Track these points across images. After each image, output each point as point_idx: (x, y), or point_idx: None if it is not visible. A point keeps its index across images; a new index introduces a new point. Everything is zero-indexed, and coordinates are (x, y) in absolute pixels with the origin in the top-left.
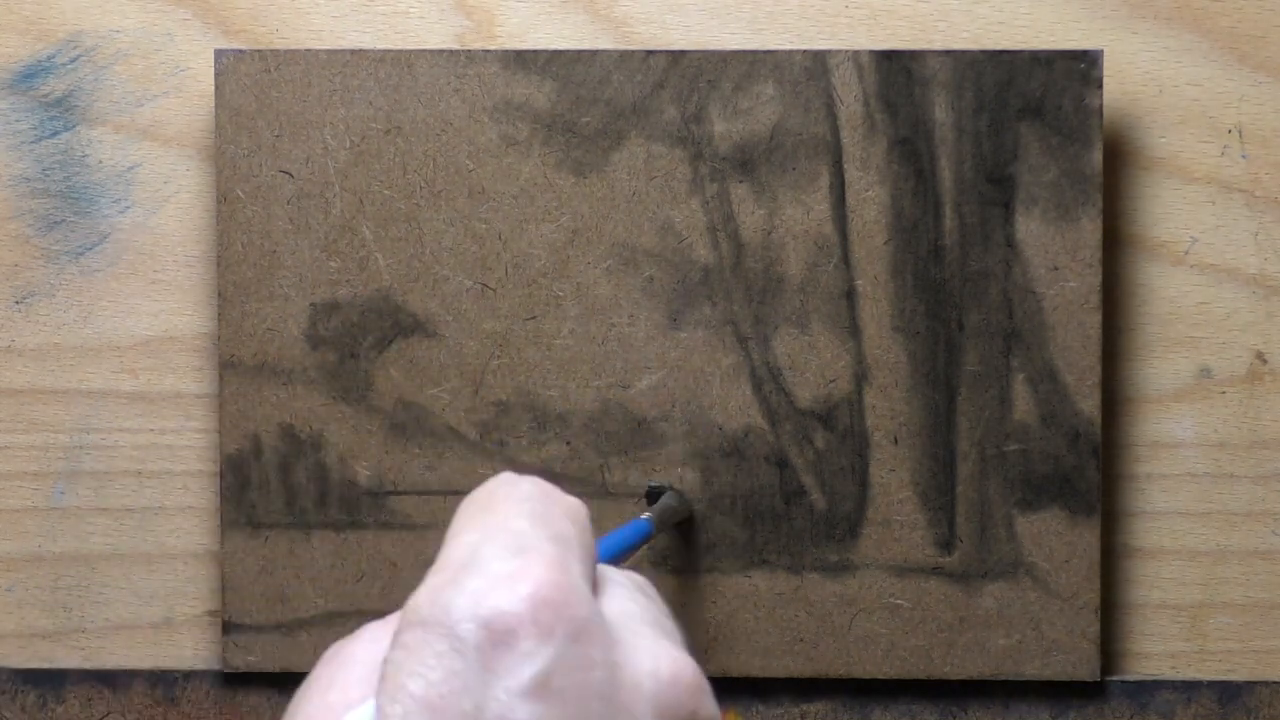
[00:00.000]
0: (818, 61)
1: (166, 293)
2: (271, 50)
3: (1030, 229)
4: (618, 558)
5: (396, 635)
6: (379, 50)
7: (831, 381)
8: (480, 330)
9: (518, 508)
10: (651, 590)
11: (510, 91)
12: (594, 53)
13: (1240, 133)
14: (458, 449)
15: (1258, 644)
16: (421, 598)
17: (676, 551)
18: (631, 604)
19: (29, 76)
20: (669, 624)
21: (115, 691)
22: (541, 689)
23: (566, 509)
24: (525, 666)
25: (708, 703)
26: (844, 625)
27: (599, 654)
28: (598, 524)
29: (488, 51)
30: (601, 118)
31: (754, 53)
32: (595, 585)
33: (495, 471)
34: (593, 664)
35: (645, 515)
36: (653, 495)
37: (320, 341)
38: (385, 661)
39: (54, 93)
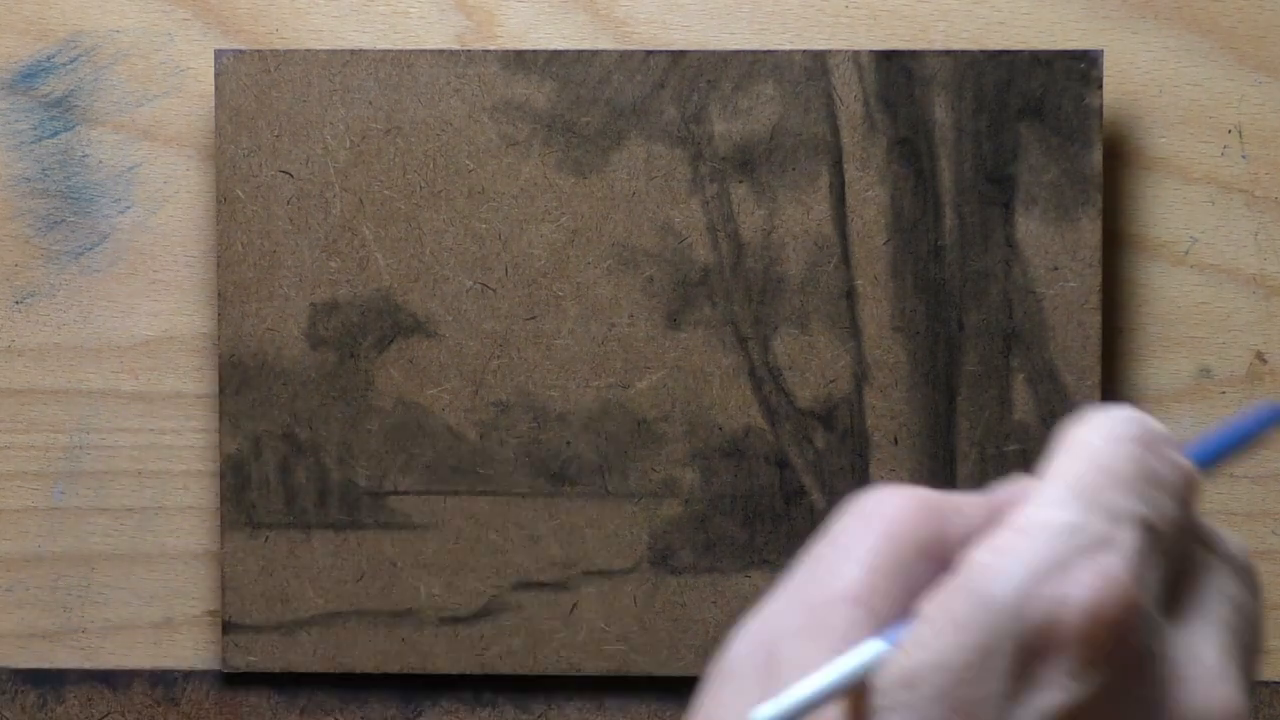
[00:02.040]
0: (818, 61)
1: (166, 293)
2: (271, 50)
3: (1030, 229)
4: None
5: (944, 588)
6: (379, 50)
7: (831, 381)
8: (480, 330)
9: (1117, 467)
10: (1250, 568)
11: (510, 91)
12: (594, 53)
13: (1240, 133)
14: (458, 449)
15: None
16: (983, 558)
17: (676, 551)
18: (1217, 601)
19: (29, 76)
20: (1253, 626)
21: (115, 691)
22: (1066, 716)
23: (1172, 479)
24: (1061, 690)
25: None
26: None
27: (1145, 694)
28: (598, 524)
29: (488, 51)
30: (601, 118)
31: (754, 53)
32: (1190, 578)
33: (494, 472)
34: (1134, 704)
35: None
36: None
37: (320, 341)
38: (921, 616)
39: (54, 93)
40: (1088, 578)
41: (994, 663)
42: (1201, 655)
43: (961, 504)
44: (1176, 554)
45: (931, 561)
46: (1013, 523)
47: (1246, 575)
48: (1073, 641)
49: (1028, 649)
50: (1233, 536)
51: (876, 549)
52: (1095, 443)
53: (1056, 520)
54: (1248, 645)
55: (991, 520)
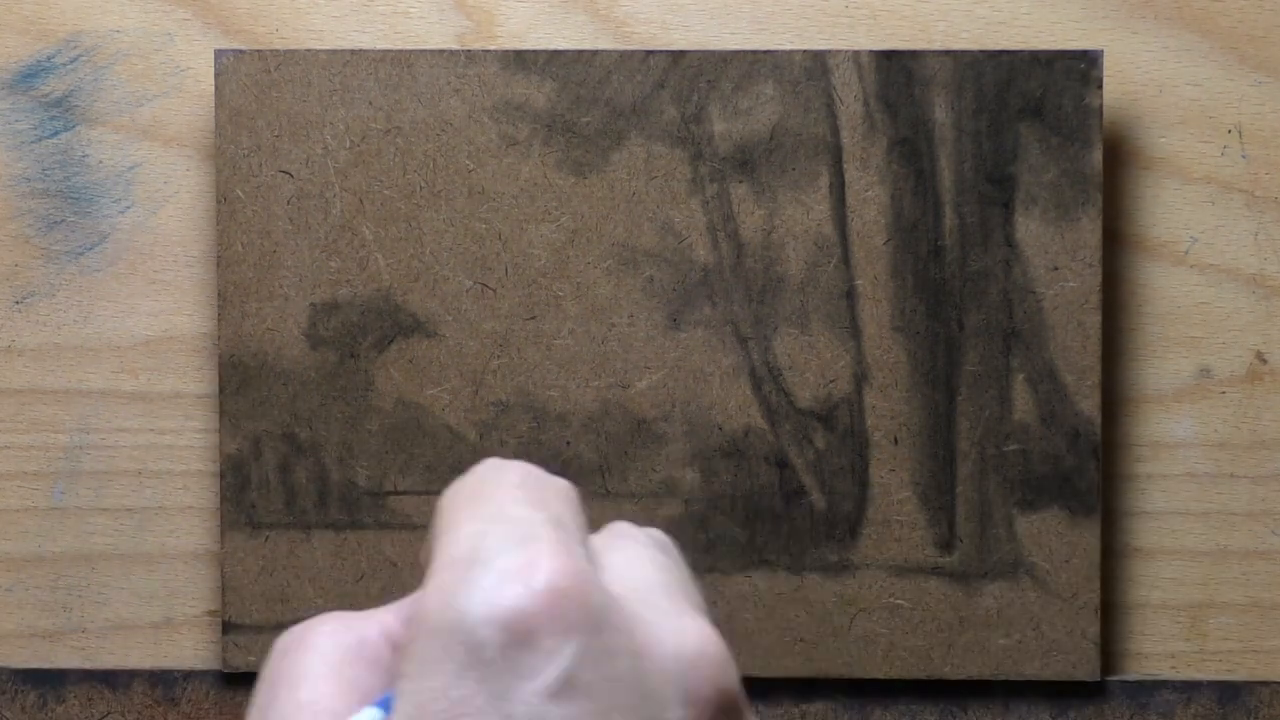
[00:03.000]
0: (818, 61)
1: (166, 293)
2: (271, 50)
3: (1030, 229)
4: None
5: (409, 645)
6: (379, 50)
7: (831, 381)
8: (480, 330)
9: (511, 494)
10: (669, 545)
11: (510, 91)
12: (594, 53)
13: (1240, 133)
14: (458, 449)
15: (1258, 644)
16: (431, 602)
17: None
18: (643, 568)
19: (29, 76)
20: (688, 585)
21: (115, 691)
22: (568, 687)
23: (557, 490)
24: (550, 666)
25: (733, 675)
26: (844, 625)
27: (621, 641)
28: (598, 524)
29: (488, 51)
30: (601, 118)
31: (754, 53)
32: (596, 556)
33: None
34: (616, 653)
35: None
36: None
37: (320, 341)
38: (401, 676)
39: (54, 93)
40: (531, 568)
41: (477, 674)
42: (650, 600)
43: (368, 614)
44: (581, 540)
45: (367, 661)
46: (437, 567)
47: (656, 541)
48: (539, 622)
49: (505, 646)
50: (623, 525)
51: (314, 665)
52: (475, 485)
53: (476, 544)
54: (671, 584)
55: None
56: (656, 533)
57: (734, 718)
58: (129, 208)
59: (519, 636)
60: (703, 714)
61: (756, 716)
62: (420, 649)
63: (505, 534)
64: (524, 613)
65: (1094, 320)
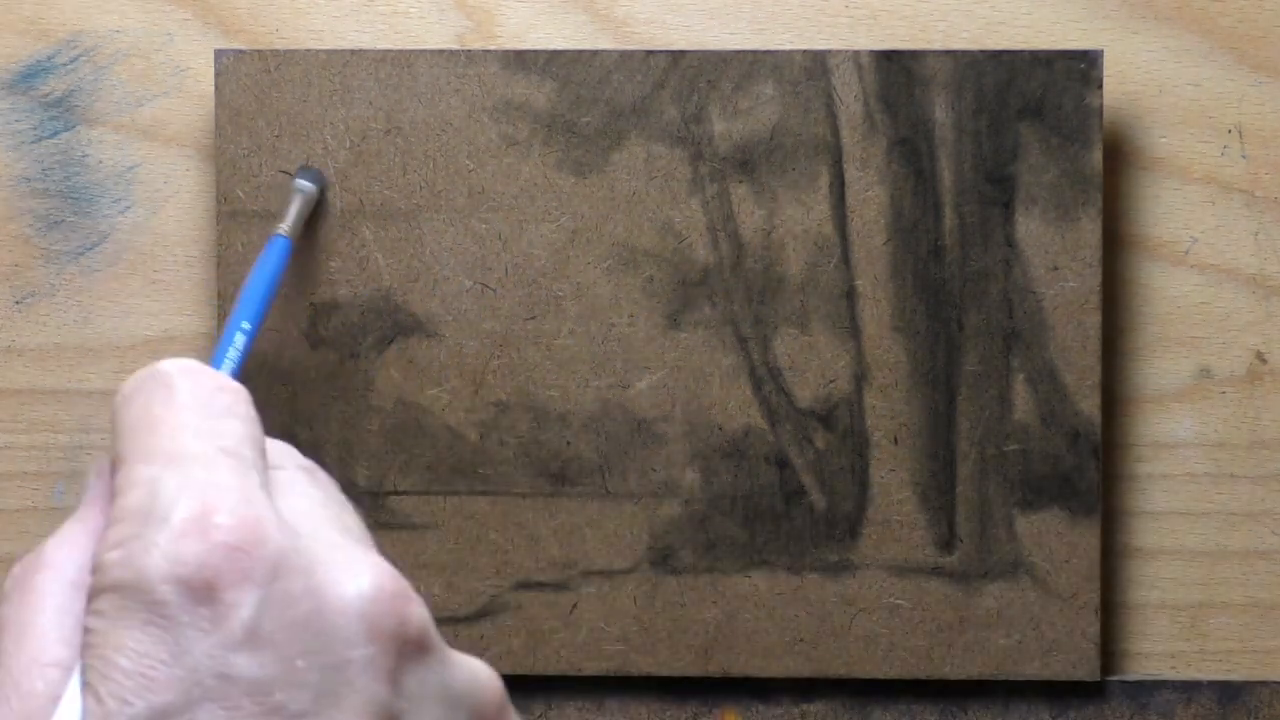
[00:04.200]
0: (818, 61)
1: (166, 293)
2: (271, 50)
3: (1030, 229)
4: (271, 292)
5: (91, 599)
6: (379, 50)
7: (831, 381)
8: (480, 330)
9: (180, 419)
10: (320, 472)
11: (510, 91)
12: (594, 53)
13: (1240, 133)
14: (458, 449)
15: (1258, 644)
16: (110, 557)
17: (676, 551)
18: (308, 500)
19: (29, 76)
20: (348, 516)
21: None
22: (251, 637)
23: (228, 402)
24: (232, 618)
25: (415, 608)
26: (844, 625)
27: (299, 585)
28: (598, 524)
29: (488, 51)
30: (601, 118)
31: (754, 53)
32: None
33: (494, 472)
34: (297, 597)
35: (281, 229)
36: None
37: (320, 341)
38: (86, 631)
39: (54, 93)
40: (205, 521)
41: (161, 629)
42: (322, 537)
43: (76, 530)
44: (258, 464)
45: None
46: (117, 516)
47: (303, 468)
48: (218, 574)
49: (185, 602)
50: (278, 447)
51: (38, 610)
52: (144, 409)
53: (151, 493)
54: (336, 519)
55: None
56: (299, 455)
57: (421, 649)
58: (129, 208)
59: (199, 592)
60: (387, 649)
61: (446, 649)
62: (102, 604)
63: (180, 481)
64: (202, 568)
65: (1094, 320)
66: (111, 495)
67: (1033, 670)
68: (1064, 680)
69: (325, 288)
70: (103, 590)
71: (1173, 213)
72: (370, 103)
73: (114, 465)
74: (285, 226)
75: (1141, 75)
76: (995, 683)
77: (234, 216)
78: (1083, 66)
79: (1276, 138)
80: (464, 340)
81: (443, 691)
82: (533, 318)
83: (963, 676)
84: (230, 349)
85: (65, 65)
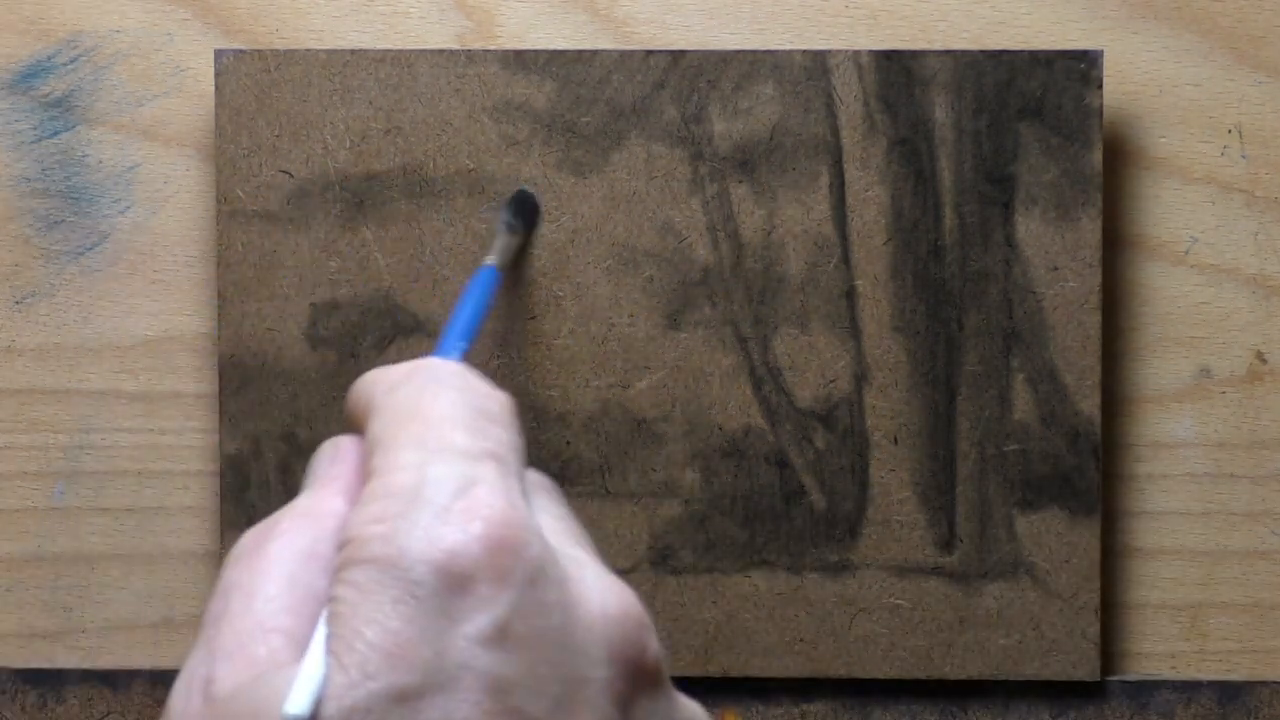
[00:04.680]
0: (818, 61)
1: (166, 293)
2: (271, 50)
3: (1030, 229)
4: (482, 322)
5: (342, 569)
6: (379, 50)
7: (831, 381)
8: (480, 330)
9: (452, 413)
10: (558, 491)
11: (510, 91)
12: (594, 53)
13: (1240, 133)
14: None
15: (1258, 644)
16: (370, 531)
17: (676, 551)
18: (553, 516)
19: (29, 76)
20: (586, 537)
21: (115, 691)
22: (501, 636)
23: (496, 411)
24: (484, 613)
25: (653, 638)
26: (844, 625)
27: (554, 596)
28: (598, 524)
29: (488, 51)
30: (601, 118)
31: (754, 53)
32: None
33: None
34: (549, 608)
35: (489, 260)
36: (511, 210)
37: (320, 341)
38: (333, 599)
39: (54, 93)
40: (472, 512)
41: (413, 609)
42: (574, 554)
43: (319, 499)
44: (519, 473)
45: (324, 560)
46: (379, 493)
47: (548, 489)
48: (478, 568)
49: (441, 588)
50: (527, 472)
51: (269, 576)
52: (414, 398)
53: (420, 477)
54: (582, 538)
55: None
56: (540, 475)
57: (654, 682)
58: (129, 208)
59: (456, 580)
60: (625, 674)
61: (673, 688)
62: (355, 575)
63: (447, 472)
64: (463, 557)
65: (1094, 320)
66: (363, 476)
67: (1033, 670)
68: (1064, 680)
69: (325, 288)
70: (357, 562)
71: (1173, 213)
72: (370, 103)
73: (371, 447)
74: (494, 258)
75: (1141, 75)
76: (995, 683)
77: (234, 216)
78: (1083, 66)
79: (1276, 138)
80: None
81: None
82: (533, 318)
83: (963, 676)
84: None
85: (65, 65)
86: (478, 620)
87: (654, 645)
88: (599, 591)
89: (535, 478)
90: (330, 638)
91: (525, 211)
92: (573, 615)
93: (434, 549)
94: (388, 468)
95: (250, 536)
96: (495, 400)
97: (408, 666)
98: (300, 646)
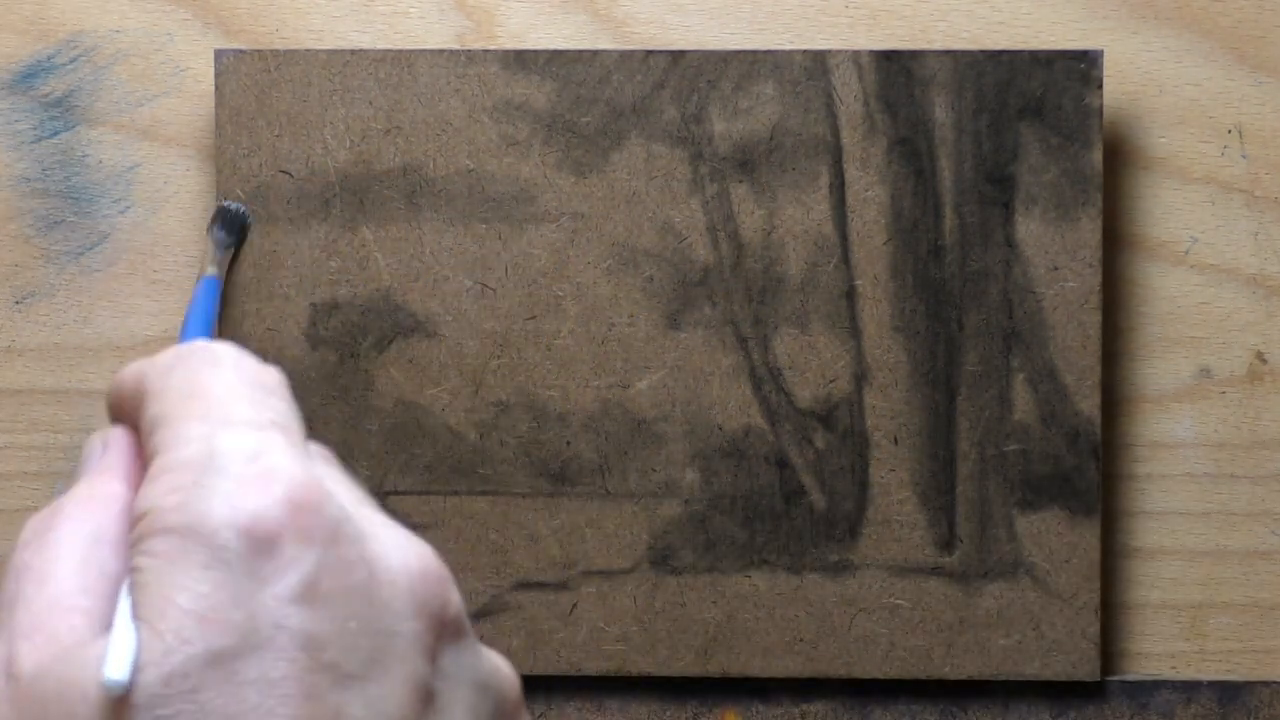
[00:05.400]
0: (818, 61)
1: (166, 293)
2: (271, 50)
3: (1030, 229)
4: (214, 327)
5: (141, 541)
6: (379, 50)
7: (831, 381)
8: (480, 330)
9: (232, 389)
10: (337, 461)
11: (510, 91)
12: (594, 53)
13: (1240, 133)
14: (458, 449)
15: (1258, 644)
16: (166, 501)
17: (676, 551)
18: (344, 485)
19: (29, 76)
20: (374, 501)
21: None
22: (310, 594)
23: (274, 384)
24: (291, 572)
25: (455, 593)
26: (844, 625)
27: (356, 553)
28: (598, 524)
29: (488, 51)
30: (601, 118)
31: (754, 53)
32: None
33: (494, 472)
34: (353, 564)
35: (210, 272)
36: (220, 221)
37: (320, 341)
38: (135, 570)
39: (54, 93)
40: (269, 476)
41: (220, 574)
42: (367, 514)
43: (98, 485)
44: (303, 444)
45: (112, 544)
46: (169, 466)
47: (331, 457)
48: (282, 528)
49: (247, 551)
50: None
51: (58, 559)
52: (191, 377)
53: (209, 447)
54: (368, 501)
55: (138, 472)
56: (322, 447)
57: (457, 633)
58: (129, 208)
59: (262, 542)
60: (430, 627)
61: (476, 638)
62: (156, 545)
63: (237, 441)
64: (267, 519)
65: (1094, 320)
66: (140, 460)
67: (1033, 670)
68: (1064, 680)
69: (325, 288)
70: (156, 532)
71: (1173, 213)
72: (370, 103)
73: (150, 428)
74: (214, 269)
75: (1141, 75)
76: (995, 683)
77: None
78: (1083, 66)
79: (1276, 138)
80: (464, 340)
81: (473, 676)
82: (533, 318)
83: (963, 676)
84: None
85: (65, 65)
86: (288, 579)
87: (455, 598)
88: (398, 548)
89: (315, 449)
90: (137, 606)
91: (235, 226)
92: (376, 571)
93: (237, 513)
94: (173, 443)
95: (33, 523)
96: (271, 375)
97: (221, 629)
98: (100, 624)
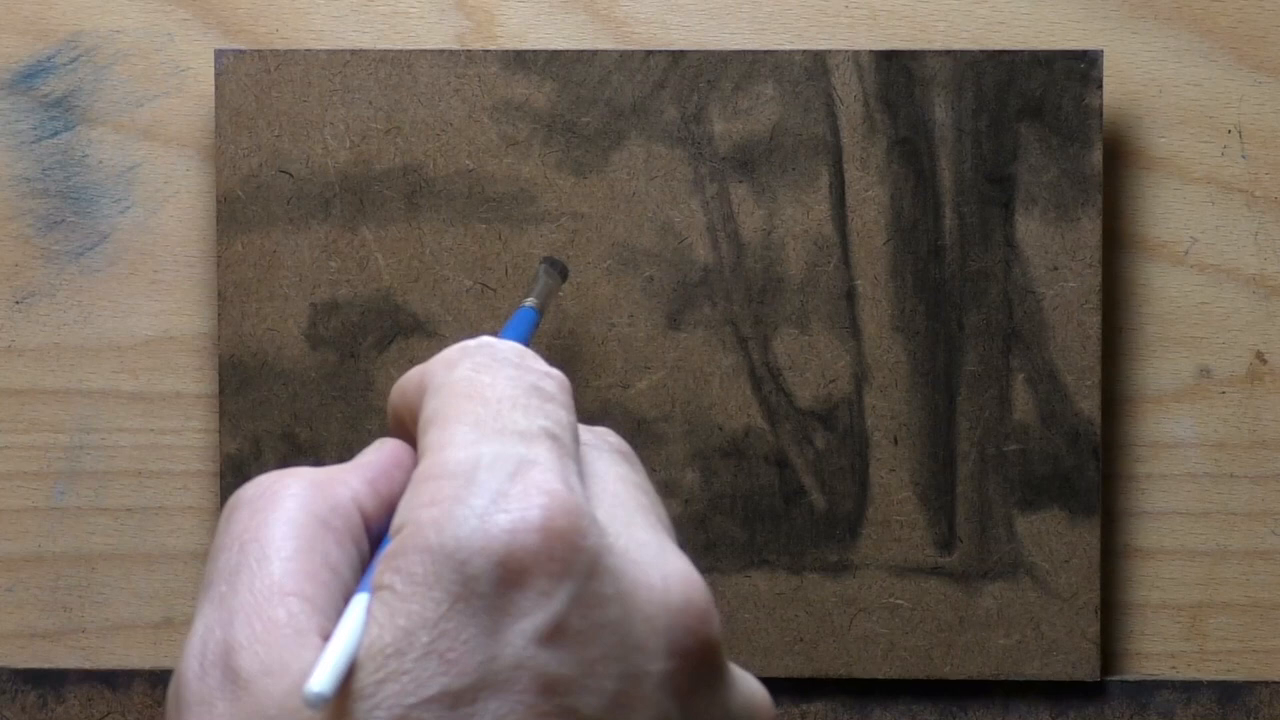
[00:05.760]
0: (818, 61)
1: (166, 293)
2: (271, 50)
3: (1030, 229)
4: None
5: (396, 557)
6: (379, 50)
7: (831, 381)
8: (480, 330)
9: (510, 392)
10: (628, 450)
11: (510, 91)
12: (594, 53)
13: (1240, 133)
14: None
15: (1258, 644)
16: (424, 515)
17: None
18: (623, 485)
19: (29, 76)
20: (659, 506)
21: (115, 691)
22: (557, 634)
23: (554, 389)
24: (540, 611)
25: (716, 627)
26: (844, 625)
27: (612, 588)
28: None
29: (488, 51)
30: (601, 118)
31: (754, 53)
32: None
33: None
34: (607, 601)
35: (528, 302)
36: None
37: (320, 341)
38: (386, 586)
39: (54, 93)
40: (527, 499)
41: (469, 608)
42: (636, 536)
43: (337, 474)
44: (575, 454)
45: (337, 533)
46: (433, 473)
47: (619, 451)
48: (536, 561)
49: (498, 583)
50: (598, 430)
51: (285, 536)
52: (471, 376)
53: (474, 456)
54: (649, 509)
55: (387, 480)
56: (610, 434)
57: (714, 671)
58: (129, 208)
59: (513, 575)
60: (684, 667)
61: (731, 667)
62: (408, 564)
63: (502, 454)
64: (520, 550)
65: (1094, 320)
66: (396, 468)
67: (1033, 670)
68: (1064, 680)
69: (325, 288)
70: (409, 550)
71: (1173, 213)
72: (370, 103)
73: (425, 424)
74: (533, 300)
75: (1141, 75)
76: (995, 683)
77: (234, 216)
78: (1083, 66)
79: (1276, 138)
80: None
81: (724, 715)
82: None
83: (963, 676)
84: None
85: (65, 65)
86: (535, 618)
87: (716, 633)
88: (661, 578)
89: (612, 440)
90: (376, 624)
91: (560, 270)
92: (631, 608)
93: (491, 541)
94: (442, 443)
95: (254, 490)
96: (553, 379)
97: (460, 670)
98: (317, 614)
